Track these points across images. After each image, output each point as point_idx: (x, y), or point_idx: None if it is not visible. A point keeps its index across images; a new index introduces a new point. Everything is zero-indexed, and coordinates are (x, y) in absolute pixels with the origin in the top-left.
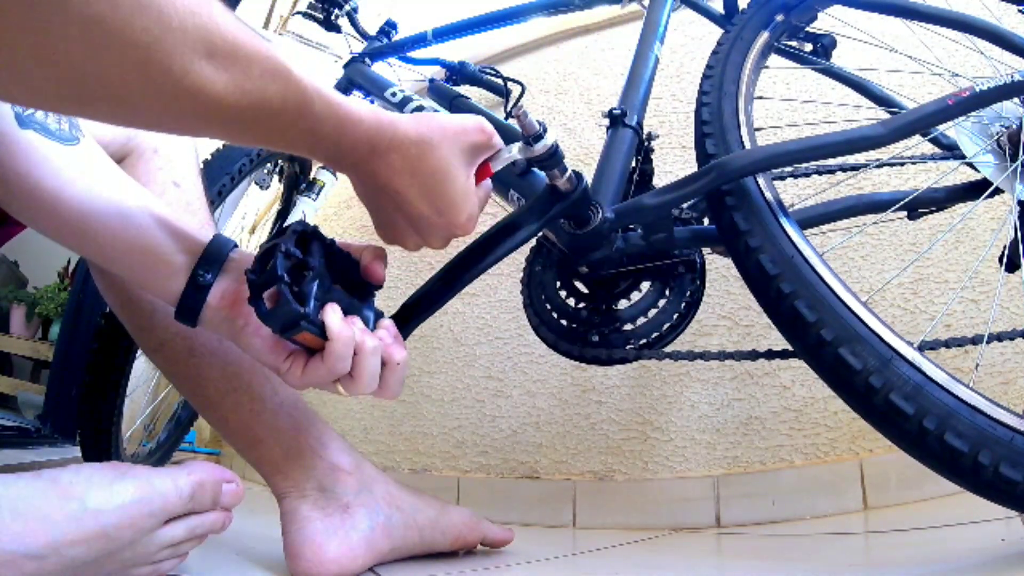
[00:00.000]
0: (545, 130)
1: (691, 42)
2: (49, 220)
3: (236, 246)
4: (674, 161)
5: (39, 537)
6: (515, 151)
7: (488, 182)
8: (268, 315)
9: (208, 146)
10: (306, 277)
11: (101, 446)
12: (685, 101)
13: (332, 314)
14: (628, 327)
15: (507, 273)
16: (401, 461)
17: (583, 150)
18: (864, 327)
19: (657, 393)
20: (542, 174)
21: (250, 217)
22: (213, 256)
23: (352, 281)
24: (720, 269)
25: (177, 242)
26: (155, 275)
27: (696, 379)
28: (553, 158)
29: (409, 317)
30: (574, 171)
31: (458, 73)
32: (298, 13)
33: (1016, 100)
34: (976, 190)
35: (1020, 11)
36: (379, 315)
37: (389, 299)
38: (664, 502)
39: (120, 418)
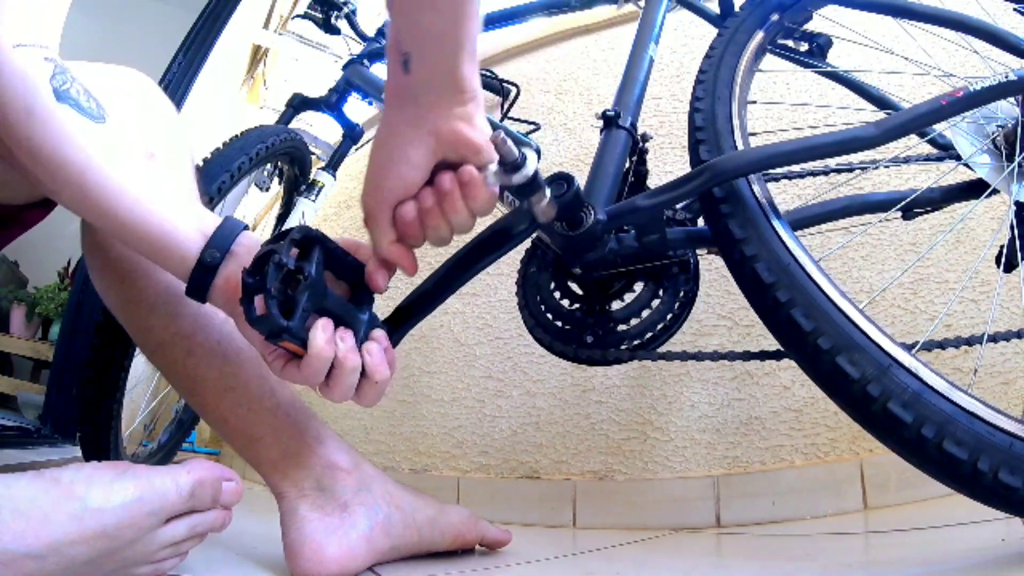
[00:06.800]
0: (524, 160)
1: (691, 42)
2: (73, 193)
3: (247, 228)
4: (674, 161)
5: (40, 536)
6: (489, 174)
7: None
8: (255, 321)
9: (206, 146)
10: (300, 283)
11: (101, 442)
12: (685, 101)
13: (317, 333)
14: (622, 327)
15: (507, 273)
16: (401, 461)
17: (583, 150)
18: (862, 335)
19: (657, 393)
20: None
21: (250, 219)
22: (222, 238)
23: (352, 283)
24: (720, 269)
25: (191, 222)
26: (169, 253)
27: (696, 379)
28: (531, 186)
29: (405, 318)
30: (565, 175)
31: None
32: (298, 16)
33: (1012, 100)
34: (972, 190)
35: (1016, 10)
36: (374, 320)
37: (388, 299)
38: (664, 502)
39: (120, 413)
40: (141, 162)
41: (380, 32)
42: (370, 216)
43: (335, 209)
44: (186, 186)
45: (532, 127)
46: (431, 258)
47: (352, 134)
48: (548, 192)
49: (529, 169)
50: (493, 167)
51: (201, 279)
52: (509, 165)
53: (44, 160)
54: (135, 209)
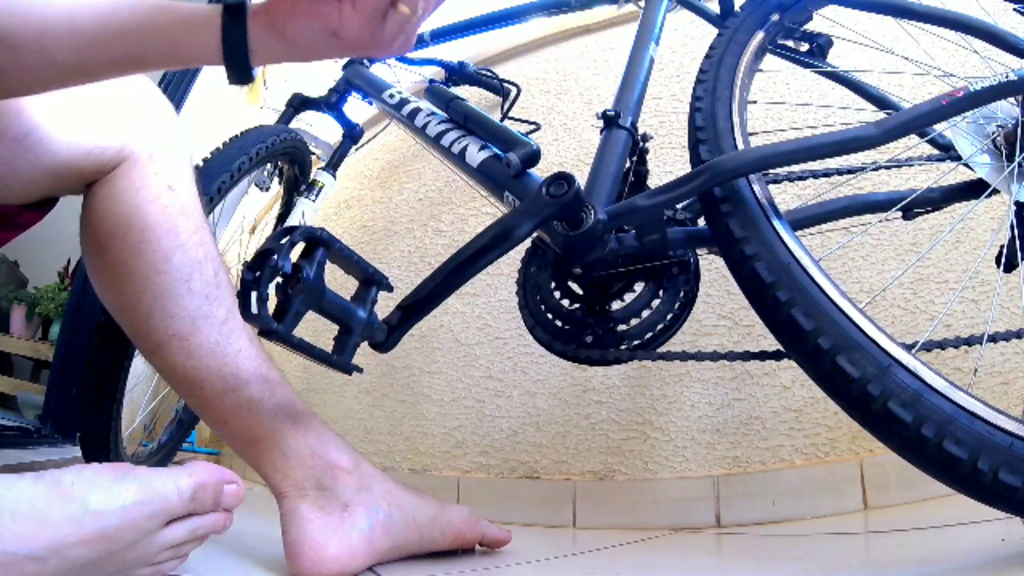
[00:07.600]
0: None
1: (691, 42)
2: (70, 46)
3: None
4: (674, 161)
5: (40, 539)
6: None
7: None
8: (250, 317)
9: (206, 146)
10: (298, 282)
11: (101, 442)
12: (685, 101)
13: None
14: (622, 327)
15: (507, 273)
16: (401, 461)
17: (583, 150)
18: (862, 334)
19: (657, 393)
20: (537, 176)
21: (250, 219)
22: None
23: (357, 278)
24: (720, 268)
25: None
26: (187, 37)
27: (696, 379)
28: None
29: (405, 318)
30: (565, 175)
31: (457, 73)
32: None
33: (1012, 100)
34: (972, 190)
35: (1016, 10)
36: (374, 319)
37: (388, 298)
38: (664, 502)
39: (120, 413)
40: None
41: None
42: None
43: (335, 209)
44: (182, 188)
45: (532, 127)
46: (431, 258)
47: (352, 134)
48: None
49: None
50: None
51: (235, 27)
52: None
53: (33, 35)
54: (137, 10)
